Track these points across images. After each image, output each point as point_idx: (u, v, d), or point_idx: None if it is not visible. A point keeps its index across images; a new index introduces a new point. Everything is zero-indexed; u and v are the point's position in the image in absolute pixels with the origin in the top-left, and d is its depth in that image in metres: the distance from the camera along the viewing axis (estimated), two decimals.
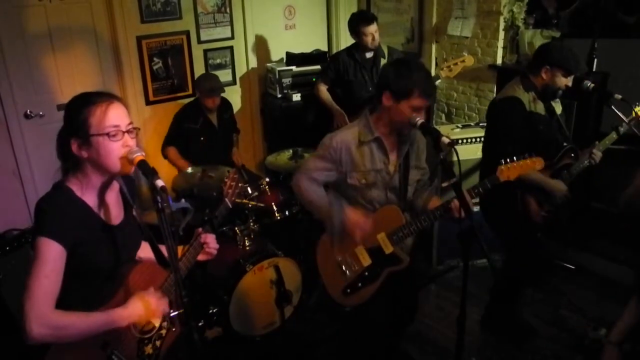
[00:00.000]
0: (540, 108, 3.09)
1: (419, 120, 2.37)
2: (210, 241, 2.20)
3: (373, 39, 4.31)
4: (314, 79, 4.76)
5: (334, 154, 2.56)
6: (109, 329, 1.83)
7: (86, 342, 1.80)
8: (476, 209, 3.80)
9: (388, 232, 2.62)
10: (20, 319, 1.70)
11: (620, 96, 3.04)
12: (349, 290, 2.69)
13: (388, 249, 2.63)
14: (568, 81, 3.00)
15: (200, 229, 2.21)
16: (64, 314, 1.75)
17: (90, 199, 1.88)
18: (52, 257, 1.73)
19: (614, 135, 3.10)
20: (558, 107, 3.23)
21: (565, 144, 3.15)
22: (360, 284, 2.68)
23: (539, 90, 3.06)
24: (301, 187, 2.62)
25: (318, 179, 2.62)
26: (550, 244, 4.20)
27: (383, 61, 4.45)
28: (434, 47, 5.23)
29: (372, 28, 4.28)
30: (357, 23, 4.33)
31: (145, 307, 1.89)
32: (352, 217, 2.53)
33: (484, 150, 3.36)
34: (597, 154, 3.09)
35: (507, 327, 3.47)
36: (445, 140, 2.24)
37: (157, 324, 2.02)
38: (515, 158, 2.54)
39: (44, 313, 1.71)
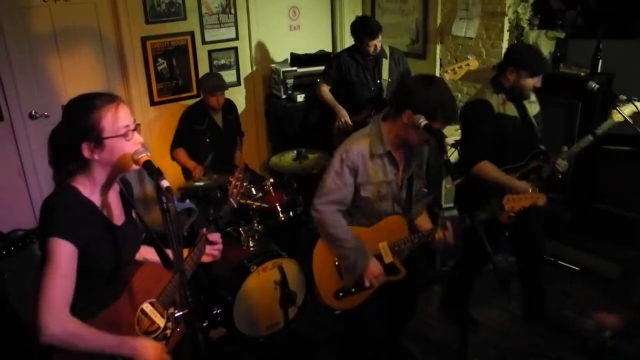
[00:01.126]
0: (510, 110, 3.07)
1: (422, 121, 2.35)
2: (216, 241, 2.21)
3: (375, 49, 4.31)
4: (318, 80, 4.77)
5: (352, 166, 2.49)
6: (115, 353, 1.83)
7: None
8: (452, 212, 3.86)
9: (390, 242, 2.61)
10: (35, 318, 1.69)
11: (625, 97, 3.01)
12: (341, 294, 2.68)
13: (388, 258, 2.62)
14: (535, 82, 2.98)
15: (205, 230, 2.22)
16: (81, 325, 1.76)
17: (96, 199, 1.89)
18: (65, 257, 1.73)
19: (590, 138, 3.04)
20: (534, 108, 3.20)
21: (541, 146, 3.13)
22: (353, 290, 2.68)
23: (507, 91, 3.04)
24: (324, 215, 2.53)
25: (342, 200, 2.54)
26: (553, 244, 4.20)
27: (385, 61, 4.46)
28: (438, 47, 5.22)
29: (376, 41, 4.27)
30: (360, 33, 4.31)
31: (154, 355, 1.88)
32: (371, 270, 2.56)
33: (460, 149, 3.38)
34: (562, 164, 3.03)
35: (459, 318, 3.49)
36: (450, 141, 2.25)
37: (161, 324, 2.03)
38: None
39: (62, 315, 1.71)
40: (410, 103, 2.36)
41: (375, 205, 2.59)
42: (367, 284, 2.58)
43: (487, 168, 2.98)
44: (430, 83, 2.42)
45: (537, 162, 3.09)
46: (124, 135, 1.81)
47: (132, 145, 1.84)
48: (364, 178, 2.51)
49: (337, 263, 2.66)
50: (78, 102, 1.85)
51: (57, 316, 1.70)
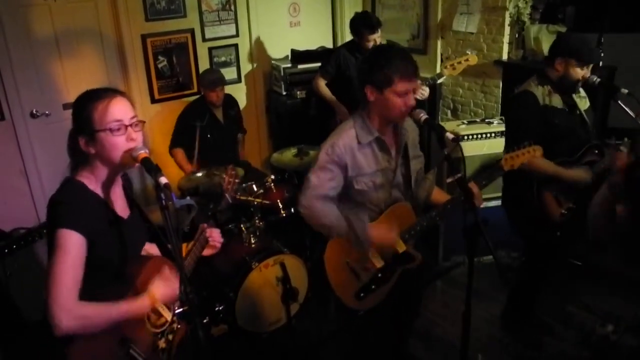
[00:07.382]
0: (556, 102, 2.99)
1: (423, 116, 2.34)
2: (215, 235, 2.23)
3: (375, 44, 4.28)
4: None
5: (339, 161, 2.43)
6: (132, 316, 1.85)
7: (105, 337, 1.82)
8: (490, 203, 3.78)
9: (399, 230, 2.53)
10: (46, 311, 1.70)
11: (627, 91, 2.98)
12: (362, 295, 2.59)
13: (401, 247, 2.53)
14: (585, 72, 2.91)
15: (204, 224, 2.24)
16: (88, 304, 1.76)
17: (101, 193, 1.90)
18: (74, 247, 1.74)
19: None
20: (584, 103, 3.14)
21: (596, 141, 3.05)
22: (373, 286, 2.59)
23: (555, 83, 2.98)
24: (313, 210, 2.45)
25: (329, 194, 2.47)
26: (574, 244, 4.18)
27: None
28: (439, 43, 5.21)
29: (375, 35, 4.24)
30: (361, 28, 4.27)
31: (162, 287, 1.92)
32: (376, 235, 2.45)
33: (505, 145, 3.34)
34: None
35: (524, 327, 3.45)
36: (450, 136, 2.22)
37: (168, 318, 2.02)
38: (516, 147, 2.55)
39: (71, 304, 1.72)
40: (367, 79, 2.38)
41: (371, 196, 2.52)
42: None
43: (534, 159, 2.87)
44: (378, 52, 2.48)
45: (591, 157, 2.98)
46: (112, 129, 1.78)
47: (125, 142, 1.81)
48: (355, 171, 2.45)
49: (350, 264, 2.57)
50: (81, 95, 1.86)
51: (67, 308, 1.70)
